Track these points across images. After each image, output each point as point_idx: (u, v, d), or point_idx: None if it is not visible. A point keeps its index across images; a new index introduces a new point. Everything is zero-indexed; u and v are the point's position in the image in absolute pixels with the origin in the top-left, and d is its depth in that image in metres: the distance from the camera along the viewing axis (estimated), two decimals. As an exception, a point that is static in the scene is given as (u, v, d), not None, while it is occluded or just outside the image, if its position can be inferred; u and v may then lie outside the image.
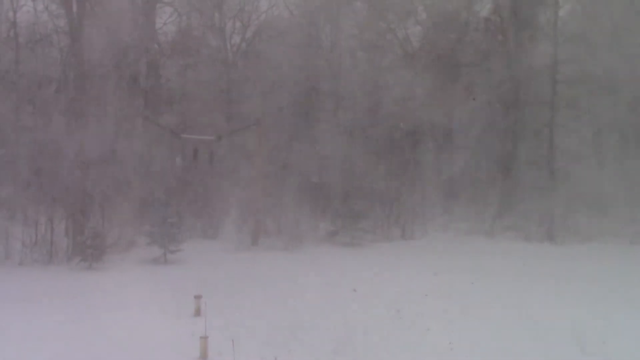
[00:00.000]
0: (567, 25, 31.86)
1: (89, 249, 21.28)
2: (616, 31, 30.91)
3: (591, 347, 12.95)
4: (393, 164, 31.54)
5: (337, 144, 33.15)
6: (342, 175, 30.26)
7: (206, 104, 35.46)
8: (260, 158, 26.93)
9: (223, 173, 31.26)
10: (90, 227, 22.93)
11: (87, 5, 26.17)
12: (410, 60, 35.84)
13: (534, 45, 33.53)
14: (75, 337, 13.38)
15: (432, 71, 34.84)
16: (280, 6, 40.79)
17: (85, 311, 15.52)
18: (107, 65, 29.44)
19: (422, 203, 32.42)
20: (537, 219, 29.71)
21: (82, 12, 24.73)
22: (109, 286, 18.52)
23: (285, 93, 35.98)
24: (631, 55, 29.44)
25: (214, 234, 27.94)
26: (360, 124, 34.32)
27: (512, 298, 17.63)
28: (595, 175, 30.12)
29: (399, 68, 37.17)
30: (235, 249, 25.00)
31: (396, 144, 32.16)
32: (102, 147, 25.80)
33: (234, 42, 41.31)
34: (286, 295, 17.60)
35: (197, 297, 15.26)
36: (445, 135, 34.74)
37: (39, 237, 23.06)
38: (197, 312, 15.06)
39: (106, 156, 25.95)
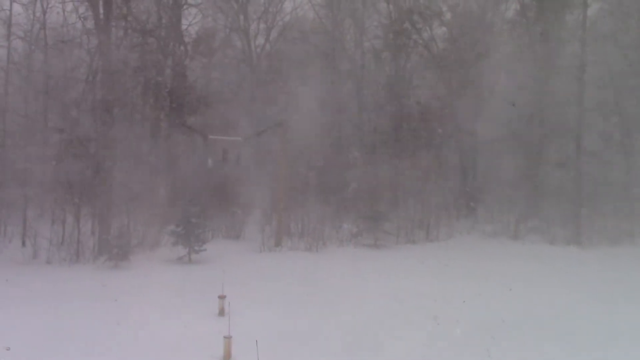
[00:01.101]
0: (595, 25, 31.37)
1: (114, 248, 21.48)
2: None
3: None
4: (417, 165, 31.37)
5: (361, 145, 33.16)
6: (365, 176, 30.19)
7: (231, 105, 35.69)
8: (284, 159, 26.94)
9: (247, 174, 31.40)
10: (116, 226, 23.19)
11: (114, 6, 26.46)
12: (435, 61, 35.67)
13: (561, 46, 33.18)
14: (101, 335, 13.50)
15: (457, 72, 34.65)
16: (304, 7, 40.96)
17: (110, 309, 15.65)
18: (134, 66, 29.75)
19: (446, 205, 32.26)
20: (563, 222, 29.35)
21: (108, 13, 25.02)
22: (134, 285, 18.66)
23: (309, 94, 36.06)
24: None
25: (238, 234, 28.06)
26: (384, 124, 34.28)
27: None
28: (622, 177, 29.69)
29: (423, 69, 37.05)
30: (258, 249, 25.05)
31: (421, 145, 32.00)
32: (128, 147, 26.09)
33: (259, 43, 41.58)
34: (310, 296, 17.51)
35: (221, 297, 15.30)
36: (470, 137, 34.53)
37: (66, 236, 23.34)
38: (221, 312, 15.10)
39: (132, 156, 26.23)
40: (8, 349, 12.13)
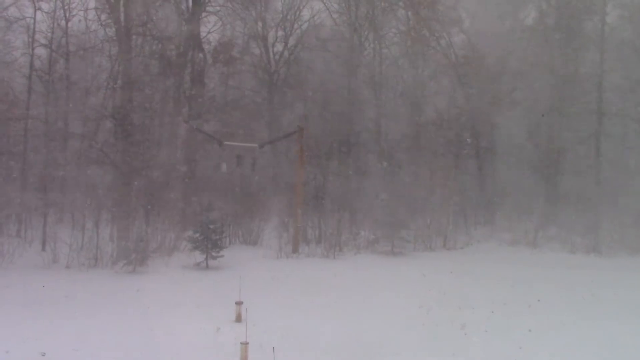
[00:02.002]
0: (614, 32, 31.15)
1: (133, 253, 21.65)
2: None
3: None
4: (435, 172, 31.29)
5: (378, 153, 33.12)
6: (383, 183, 30.15)
7: (249, 111, 35.85)
8: (301, 166, 27.00)
9: (264, 180, 31.52)
10: (134, 232, 23.37)
11: (134, 14, 26.77)
12: (453, 68, 35.57)
13: (580, 53, 32.98)
14: (118, 339, 13.59)
15: (475, 80, 34.54)
16: (322, 14, 41.07)
17: (128, 314, 15.76)
18: (154, 73, 30.04)
19: (464, 212, 32.12)
20: (582, 230, 29.08)
21: (129, 21, 25.34)
22: (151, 290, 18.78)
23: (327, 101, 36.10)
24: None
25: (255, 240, 28.15)
26: (402, 132, 34.23)
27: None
28: (642, 185, 29.39)
29: (442, 76, 36.96)
30: (275, 255, 25.09)
31: (439, 152, 31.89)
32: (147, 153, 26.33)
33: (277, 50, 41.80)
34: (329, 303, 17.43)
35: (238, 303, 15.34)
36: (488, 144, 34.36)
37: (85, 241, 23.56)
38: (238, 318, 15.14)
39: (151, 162, 26.46)
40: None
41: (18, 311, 15.85)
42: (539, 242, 29.05)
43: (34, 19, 28.97)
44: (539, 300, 18.15)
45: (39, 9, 29.11)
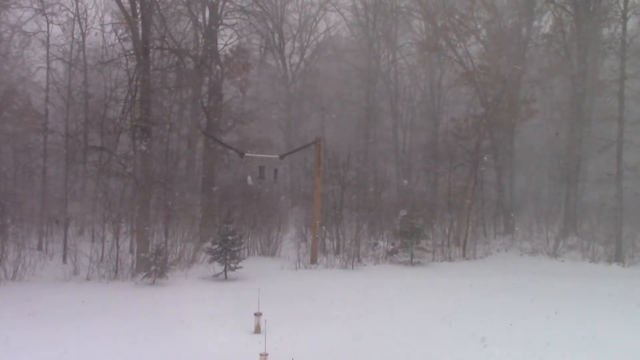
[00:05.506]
0: (634, 39, 30.85)
1: (152, 266, 21.69)
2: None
3: None
4: (453, 181, 31.12)
5: (396, 162, 33.03)
6: (401, 193, 30.07)
7: (266, 123, 35.97)
8: (319, 177, 26.96)
9: (282, 191, 31.53)
10: (154, 244, 23.45)
11: (153, 28, 26.96)
12: (470, 77, 35.46)
13: (599, 60, 32.71)
14: (138, 351, 13.59)
15: (493, 88, 34.39)
16: (339, 26, 41.34)
17: (148, 325, 15.75)
18: (171, 86, 30.25)
19: (483, 222, 31.89)
20: (603, 240, 28.72)
21: (147, 34, 25.52)
22: (171, 301, 18.81)
23: (344, 111, 36.18)
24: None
25: (273, 251, 28.13)
26: (419, 141, 34.15)
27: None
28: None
29: (458, 85, 36.88)
30: (294, 266, 25.04)
31: (456, 161, 31.71)
32: (165, 165, 26.45)
33: (293, 62, 42.05)
34: (349, 314, 17.25)
35: (257, 315, 15.30)
36: (507, 153, 34.15)
37: (105, 253, 23.70)
38: (257, 329, 15.10)
39: (169, 175, 26.58)
40: None
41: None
42: (559, 251, 28.71)
43: (48, 32, 29.19)
44: (556, 313, 17.67)
45: (52, 22, 29.35)
